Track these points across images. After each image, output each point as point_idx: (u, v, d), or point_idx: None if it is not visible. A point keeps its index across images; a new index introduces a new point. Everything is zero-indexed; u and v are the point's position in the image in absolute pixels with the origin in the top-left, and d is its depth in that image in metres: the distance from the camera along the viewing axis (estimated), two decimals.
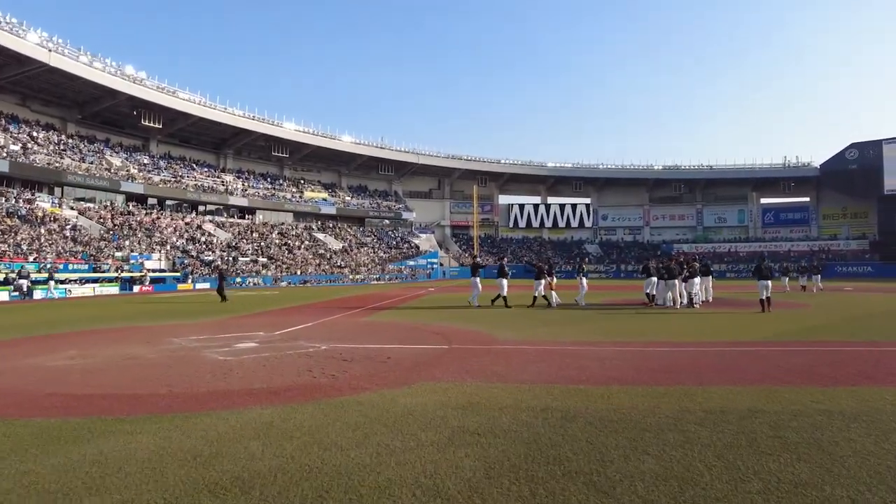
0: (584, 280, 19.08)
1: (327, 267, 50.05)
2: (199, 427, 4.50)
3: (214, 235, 49.02)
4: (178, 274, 37.38)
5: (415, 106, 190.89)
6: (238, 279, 39.69)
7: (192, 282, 37.30)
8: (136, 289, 33.34)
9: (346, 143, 63.71)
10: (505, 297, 17.15)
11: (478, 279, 18.28)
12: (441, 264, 64.04)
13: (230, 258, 44.47)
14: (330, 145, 62.41)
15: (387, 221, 68.92)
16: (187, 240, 45.53)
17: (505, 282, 17.35)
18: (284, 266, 46.68)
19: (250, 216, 57.82)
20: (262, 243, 51.22)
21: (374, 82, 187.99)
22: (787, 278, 25.83)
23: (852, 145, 61.21)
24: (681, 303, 17.12)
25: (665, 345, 9.28)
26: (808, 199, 70.21)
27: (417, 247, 63.89)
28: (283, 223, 58.99)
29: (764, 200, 73.54)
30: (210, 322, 13.56)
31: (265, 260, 47.02)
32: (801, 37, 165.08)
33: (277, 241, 53.47)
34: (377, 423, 4.58)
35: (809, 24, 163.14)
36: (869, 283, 35.36)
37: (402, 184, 73.96)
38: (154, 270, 36.69)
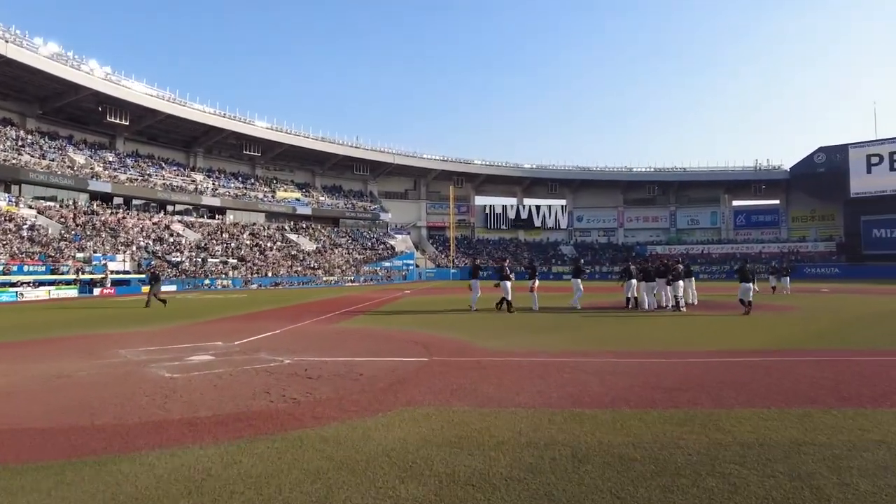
0: (580, 282, 18.35)
1: (300, 268, 48.66)
2: (110, 481, 3.48)
3: (183, 236, 47.22)
4: (143, 276, 35.62)
5: (391, 106, 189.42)
6: (207, 281, 38.11)
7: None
8: (96, 291, 31.62)
9: (319, 142, 62.29)
10: (509, 302, 16.14)
11: (478, 282, 17.24)
12: (417, 265, 63.05)
13: (199, 259, 42.81)
14: (303, 144, 60.92)
15: (362, 222, 67.57)
16: (154, 240, 43.73)
17: (509, 285, 16.27)
18: (255, 268, 45.18)
19: (221, 216, 56.01)
20: (233, 244, 49.56)
21: (350, 81, 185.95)
22: (773, 277, 25.26)
23: (820, 149, 62.14)
24: (665, 306, 16.46)
25: (665, 355, 8.48)
26: (778, 201, 71.35)
27: (393, 248, 62.80)
28: (254, 224, 57.32)
29: (736, 203, 74.48)
30: (167, 329, 12.30)
31: (235, 261, 45.43)
32: (772, 41, 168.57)
33: (249, 242, 51.84)
34: (344, 469, 3.63)
35: (780, 28, 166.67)
36: (842, 284, 35.44)
37: (378, 184, 72.76)
38: (117, 272, 34.93)
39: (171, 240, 45.33)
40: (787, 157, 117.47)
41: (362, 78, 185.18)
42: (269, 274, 44.25)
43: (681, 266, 16.94)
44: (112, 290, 32.42)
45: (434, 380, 6.57)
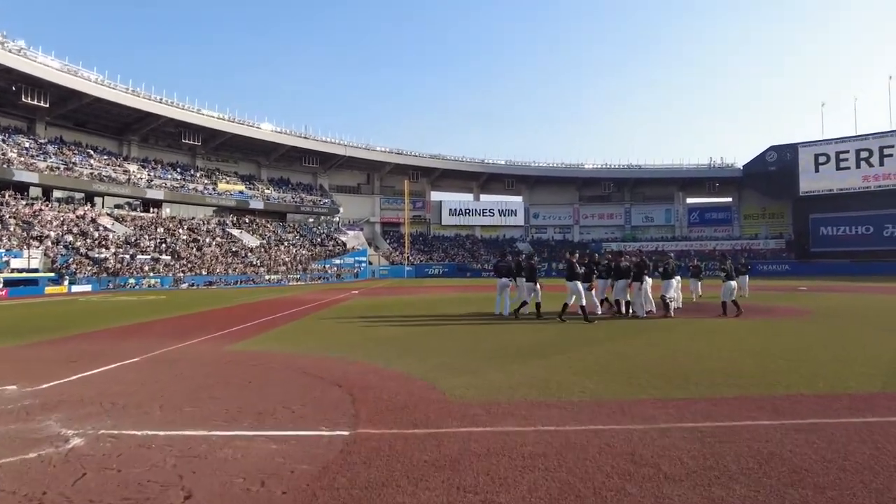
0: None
1: (241, 266, 45.63)
2: None
3: (111, 230, 43.48)
4: (52, 275, 32.11)
5: (344, 98, 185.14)
6: (131, 280, 34.84)
7: (68, 284, 31.97)
8: None
9: (266, 131, 58.99)
10: (538, 304, 13.21)
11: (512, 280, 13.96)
12: (370, 263, 60.68)
13: (126, 255, 39.35)
14: (248, 133, 57.51)
15: (311, 217, 64.49)
16: (76, 235, 39.99)
17: (538, 286, 13.29)
18: (190, 265, 41.97)
19: (156, 209, 52.23)
20: (168, 239, 46.10)
21: (299, 69, 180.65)
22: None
23: (772, 148, 62.87)
24: (645, 309, 13.57)
25: (751, 406, 5.01)
26: (731, 199, 72.13)
27: (344, 244, 60.12)
28: (193, 218, 53.71)
29: (690, 200, 75.03)
30: None
31: (168, 258, 42.09)
32: (728, 42, 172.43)
33: (186, 238, 48.41)
34: None
35: (733, 31, 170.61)
36: (804, 281, 34.66)
37: (329, 177, 69.77)
38: (23, 270, 31.34)
39: (97, 234, 41.63)
40: (742, 154, 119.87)
41: (313, 67, 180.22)
42: (205, 272, 41.11)
43: (672, 260, 14.87)
44: (4, 292, 28.59)
45: None
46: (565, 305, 12.35)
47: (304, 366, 7.22)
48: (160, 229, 47.92)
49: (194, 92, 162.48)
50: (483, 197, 77.84)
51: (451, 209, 75.60)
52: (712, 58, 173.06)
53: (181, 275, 39.26)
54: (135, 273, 36.81)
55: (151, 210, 51.81)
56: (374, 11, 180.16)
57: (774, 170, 61.97)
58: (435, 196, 76.49)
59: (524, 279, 13.56)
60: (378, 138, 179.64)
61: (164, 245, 44.25)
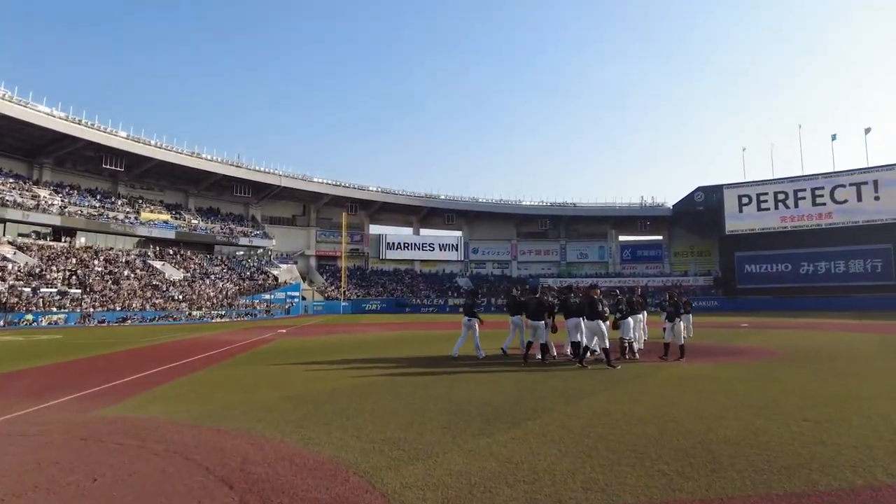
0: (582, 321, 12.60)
1: (161, 301, 42.47)
2: None
3: (12, 260, 39.53)
4: None
5: (282, 129, 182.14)
6: (28, 316, 31.41)
7: None
8: None
9: (195, 158, 56.22)
10: (545, 346, 11.92)
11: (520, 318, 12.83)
12: (304, 298, 58.18)
13: (27, 289, 35.70)
14: (175, 160, 54.37)
15: (241, 249, 61.47)
16: None
17: (542, 325, 11.92)
18: (104, 300, 38.60)
19: (69, 238, 48.23)
20: (80, 271, 42.43)
21: (230, 91, 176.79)
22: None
23: (699, 188, 65.65)
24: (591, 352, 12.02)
25: None
26: (661, 237, 74.84)
27: (276, 278, 57.46)
28: (111, 248, 49.98)
29: (622, 238, 77.28)
30: None
31: (78, 292, 38.57)
32: (656, 91, 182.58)
33: (101, 269, 44.76)
34: None
35: (662, 86, 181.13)
36: (757, 318, 34.65)
37: (262, 208, 67.16)
38: None
39: None
40: (672, 194, 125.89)
41: (246, 94, 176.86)
42: (119, 307, 37.86)
43: (639, 296, 13.99)
44: None
45: None
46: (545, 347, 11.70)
47: (189, 444, 5.39)
48: (72, 260, 44.14)
49: (119, 115, 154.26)
50: (423, 231, 77.24)
51: (390, 243, 74.41)
52: (643, 102, 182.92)
53: (91, 310, 35.93)
54: (34, 308, 33.31)
55: (64, 239, 47.81)
56: (311, 38, 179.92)
57: (702, 209, 64.65)
58: (374, 229, 75.15)
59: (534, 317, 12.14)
60: (316, 169, 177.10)
61: (73, 277, 40.65)
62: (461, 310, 14.01)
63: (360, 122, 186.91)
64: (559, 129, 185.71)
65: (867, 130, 59.53)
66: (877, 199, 55.09)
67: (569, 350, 12.44)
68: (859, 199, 56.01)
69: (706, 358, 12.55)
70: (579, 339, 11.34)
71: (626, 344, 12.15)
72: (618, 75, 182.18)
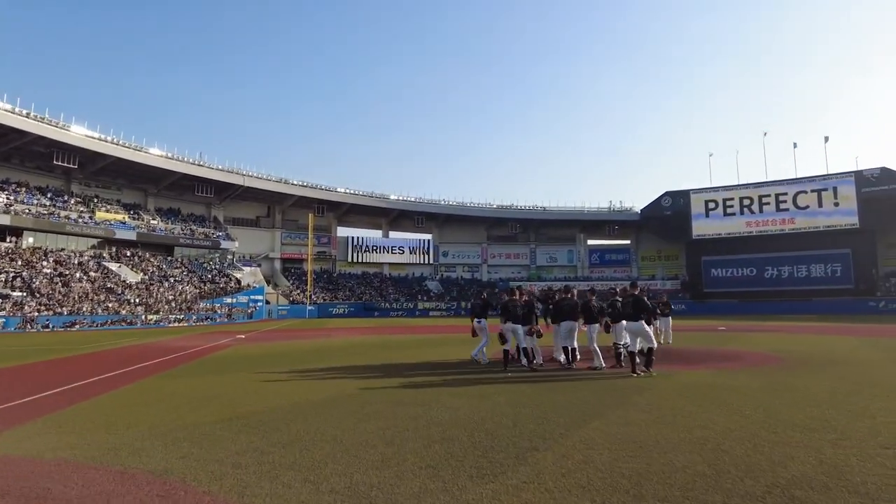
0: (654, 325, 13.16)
1: (115, 304, 40.05)
2: None
3: None
4: None
5: (244, 124, 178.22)
6: None
7: None
8: None
9: (154, 156, 53.59)
10: (524, 351, 11.02)
11: (485, 321, 12.18)
12: (268, 302, 56.13)
13: None
14: (132, 157, 51.79)
15: (202, 251, 58.90)
16: None
17: (521, 330, 11.00)
18: (51, 303, 36.10)
19: (15, 238, 45.23)
20: (27, 273, 39.74)
21: (196, 92, 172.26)
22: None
23: (667, 193, 66.14)
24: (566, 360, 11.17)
25: None
26: (629, 241, 75.20)
27: (239, 281, 55.28)
28: (63, 249, 47.14)
29: (591, 242, 77.42)
30: None
31: (22, 295, 35.98)
32: (624, 97, 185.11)
33: (50, 272, 42.06)
34: None
35: (639, 92, 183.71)
36: (731, 322, 34.35)
37: (225, 209, 64.73)
38: None
39: None
40: (640, 199, 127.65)
41: (211, 92, 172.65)
42: (67, 311, 35.41)
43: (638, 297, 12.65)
44: None
45: None
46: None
47: (72, 501, 3.83)
48: (18, 261, 41.36)
49: (72, 109, 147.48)
50: (392, 234, 75.85)
51: (358, 245, 72.67)
52: (613, 108, 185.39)
53: (35, 314, 33.45)
54: None
55: (9, 239, 44.82)
56: (277, 35, 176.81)
57: (670, 214, 65.08)
58: (342, 232, 73.35)
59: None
60: (282, 169, 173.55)
61: (17, 280, 37.97)
62: (469, 312, 12.85)
63: (329, 123, 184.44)
64: (529, 135, 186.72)
65: (826, 139, 60.78)
66: (836, 205, 56.36)
67: (561, 357, 11.51)
68: (820, 205, 57.24)
69: (704, 364, 11.49)
70: (576, 345, 10.88)
71: (622, 350, 11.05)
72: (588, 81, 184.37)
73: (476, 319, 12.20)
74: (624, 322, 10.46)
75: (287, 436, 5.66)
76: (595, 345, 10.89)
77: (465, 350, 11.99)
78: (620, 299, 10.54)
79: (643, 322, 9.80)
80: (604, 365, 10.43)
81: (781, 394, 7.86)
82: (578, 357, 11.31)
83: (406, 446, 5.18)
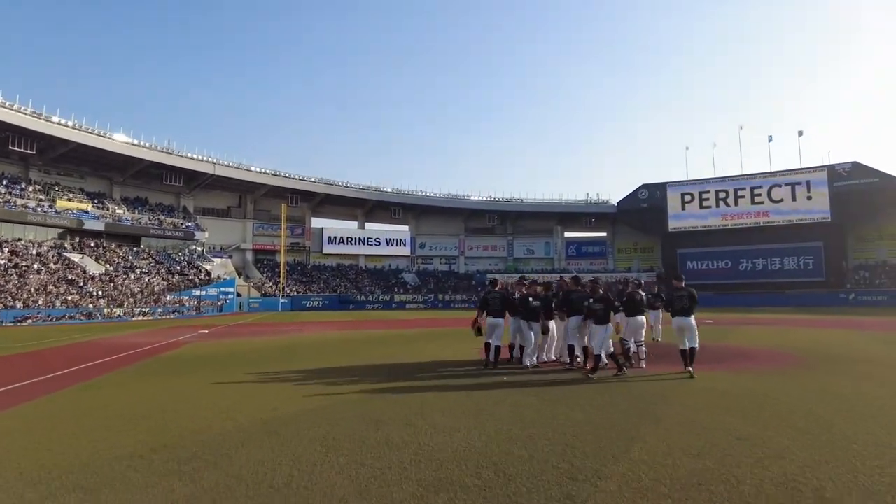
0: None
1: (76, 297, 38.39)
2: None
3: None
4: None
5: (213, 109, 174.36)
6: None
7: None
8: None
9: (119, 143, 51.50)
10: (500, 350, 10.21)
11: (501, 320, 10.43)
12: (239, 294, 54.66)
13: None
14: (96, 144, 49.62)
15: (170, 242, 57.00)
16: None
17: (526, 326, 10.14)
18: (3, 296, 34.35)
19: None
20: None
21: (164, 76, 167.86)
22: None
23: (643, 186, 66.19)
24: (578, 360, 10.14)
25: None
26: (605, 233, 75.18)
27: (209, 273, 53.64)
28: (19, 239, 45.11)
29: (568, 234, 77.21)
30: None
31: None
32: (604, 90, 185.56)
33: (4, 262, 40.15)
34: None
35: (616, 87, 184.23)
36: (716, 314, 34.49)
37: (195, 198, 62.77)
38: None
39: None
40: (616, 191, 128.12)
41: (179, 75, 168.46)
42: (21, 304, 33.75)
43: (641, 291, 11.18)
44: None
45: None
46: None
47: None
48: None
49: (30, 92, 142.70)
50: (368, 225, 74.62)
51: (333, 237, 71.32)
52: (591, 102, 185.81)
53: None
54: None
55: None
56: (253, 23, 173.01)
57: (646, 206, 65.18)
58: (316, 223, 71.86)
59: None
60: (254, 158, 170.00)
61: None
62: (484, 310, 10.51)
63: (304, 111, 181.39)
64: (507, 127, 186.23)
65: (800, 133, 61.46)
66: (809, 198, 56.95)
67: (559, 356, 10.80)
68: (794, 198, 57.78)
69: (721, 365, 10.38)
70: (590, 344, 9.66)
71: (627, 347, 10.25)
72: (565, 74, 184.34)
73: (492, 316, 10.27)
74: (641, 317, 9.91)
75: (224, 477, 4.36)
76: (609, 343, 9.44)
77: (445, 347, 10.98)
78: (663, 293, 10.03)
79: (693, 318, 9.21)
80: (606, 362, 9.31)
81: (830, 401, 6.95)
82: (580, 359, 10.13)
83: (388, 498, 3.88)
